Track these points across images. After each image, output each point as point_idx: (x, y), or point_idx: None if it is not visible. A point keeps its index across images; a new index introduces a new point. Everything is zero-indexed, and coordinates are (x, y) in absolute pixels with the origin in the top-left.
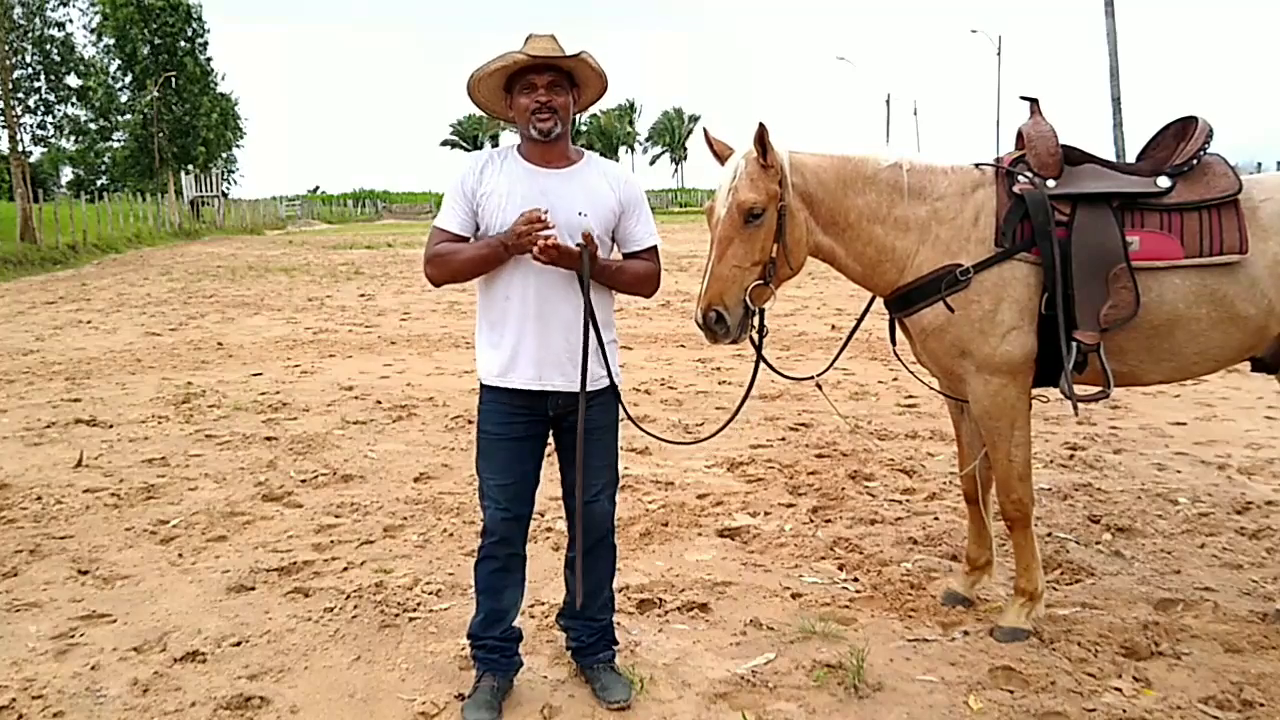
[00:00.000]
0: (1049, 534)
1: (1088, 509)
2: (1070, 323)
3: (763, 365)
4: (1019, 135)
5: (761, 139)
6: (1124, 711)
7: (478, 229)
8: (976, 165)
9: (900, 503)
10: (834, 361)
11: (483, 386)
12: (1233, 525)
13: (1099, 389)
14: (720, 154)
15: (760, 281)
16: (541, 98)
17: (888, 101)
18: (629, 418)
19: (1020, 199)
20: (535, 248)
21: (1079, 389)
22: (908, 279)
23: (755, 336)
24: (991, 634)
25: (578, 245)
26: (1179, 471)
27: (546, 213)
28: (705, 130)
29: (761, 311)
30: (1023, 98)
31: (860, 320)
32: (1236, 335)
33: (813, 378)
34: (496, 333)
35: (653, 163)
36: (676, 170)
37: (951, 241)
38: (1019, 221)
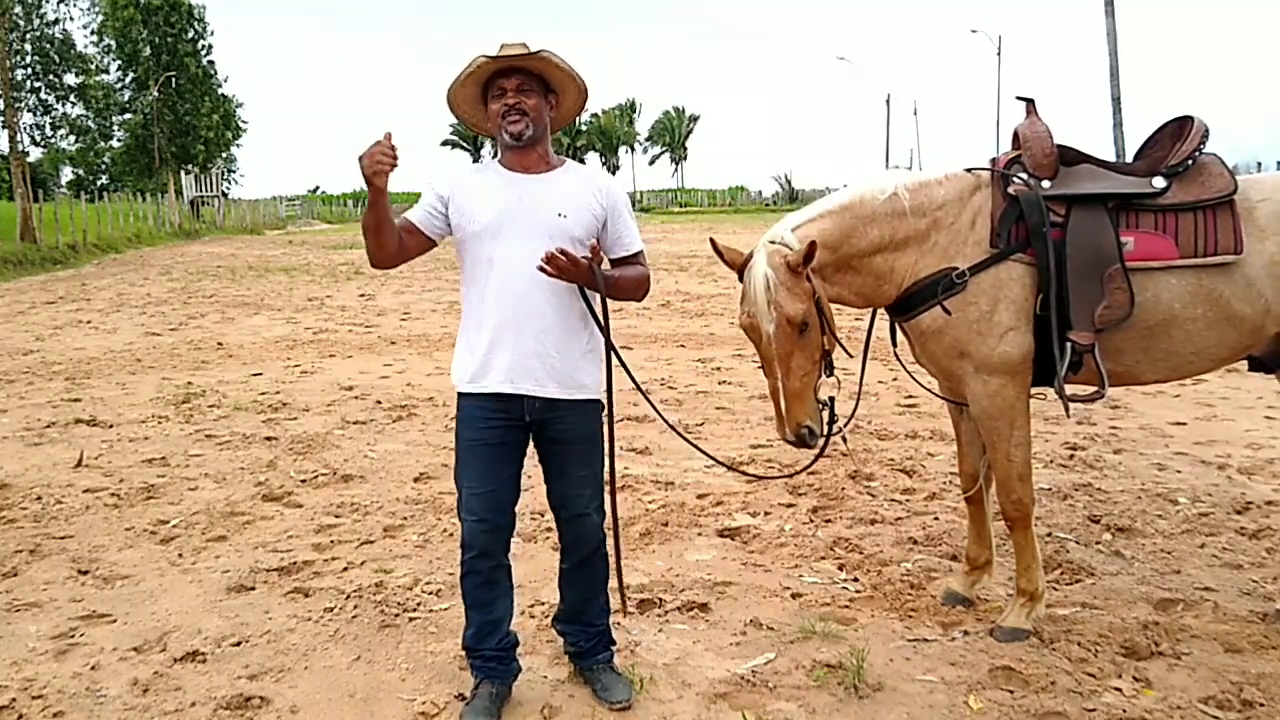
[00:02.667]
0: (1049, 534)
1: (1088, 509)
2: (1065, 323)
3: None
4: (1015, 136)
5: (810, 256)
6: (1124, 711)
7: (450, 231)
8: (968, 170)
9: (900, 503)
10: (854, 412)
11: (459, 393)
12: (1233, 525)
13: (1094, 389)
14: (732, 262)
15: (826, 374)
16: (510, 100)
17: (888, 101)
18: (687, 440)
19: (1015, 200)
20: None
21: (1078, 389)
22: (906, 285)
23: (835, 435)
24: (992, 634)
25: (584, 257)
26: (1179, 471)
27: (389, 135)
28: (712, 240)
29: (832, 399)
30: (1019, 98)
31: (866, 342)
32: (1232, 335)
33: (839, 433)
34: (471, 335)
35: (653, 163)
36: (676, 170)
37: (949, 246)
38: (1014, 223)
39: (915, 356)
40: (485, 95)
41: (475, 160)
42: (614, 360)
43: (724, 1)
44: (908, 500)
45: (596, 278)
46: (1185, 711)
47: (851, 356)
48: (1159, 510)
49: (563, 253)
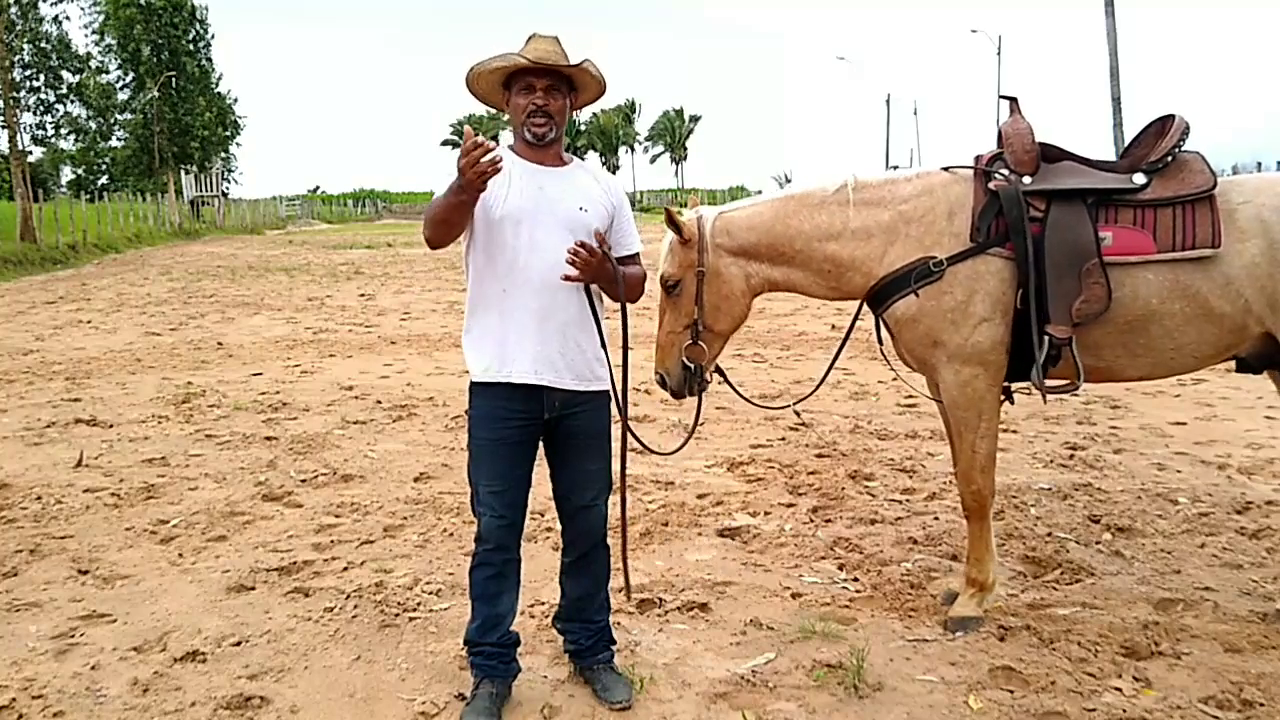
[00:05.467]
0: (1049, 534)
1: (1088, 509)
2: (1043, 316)
3: (749, 392)
4: (999, 134)
5: (669, 220)
6: (1124, 711)
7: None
8: (945, 168)
9: (900, 503)
10: (816, 388)
11: (474, 387)
12: (1233, 525)
13: (1067, 381)
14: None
15: (691, 342)
16: (539, 100)
17: (888, 101)
18: (628, 428)
19: (995, 195)
20: (477, 173)
21: (1056, 382)
22: (879, 275)
23: (704, 389)
24: (944, 626)
25: (600, 249)
26: (1179, 471)
27: (478, 134)
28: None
29: (700, 367)
30: (1003, 97)
31: (844, 341)
32: (1212, 332)
33: (789, 406)
34: (490, 325)
35: (653, 162)
36: (677, 170)
37: (924, 237)
38: (994, 217)
39: (898, 352)
40: (508, 81)
41: None
42: (605, 348)
43: (724, 1)
44: (908, 500)
45: (615, 272)
46: (1185, 711)
47: (712, 376)
48: (1159, 510)
49: (583, 245)
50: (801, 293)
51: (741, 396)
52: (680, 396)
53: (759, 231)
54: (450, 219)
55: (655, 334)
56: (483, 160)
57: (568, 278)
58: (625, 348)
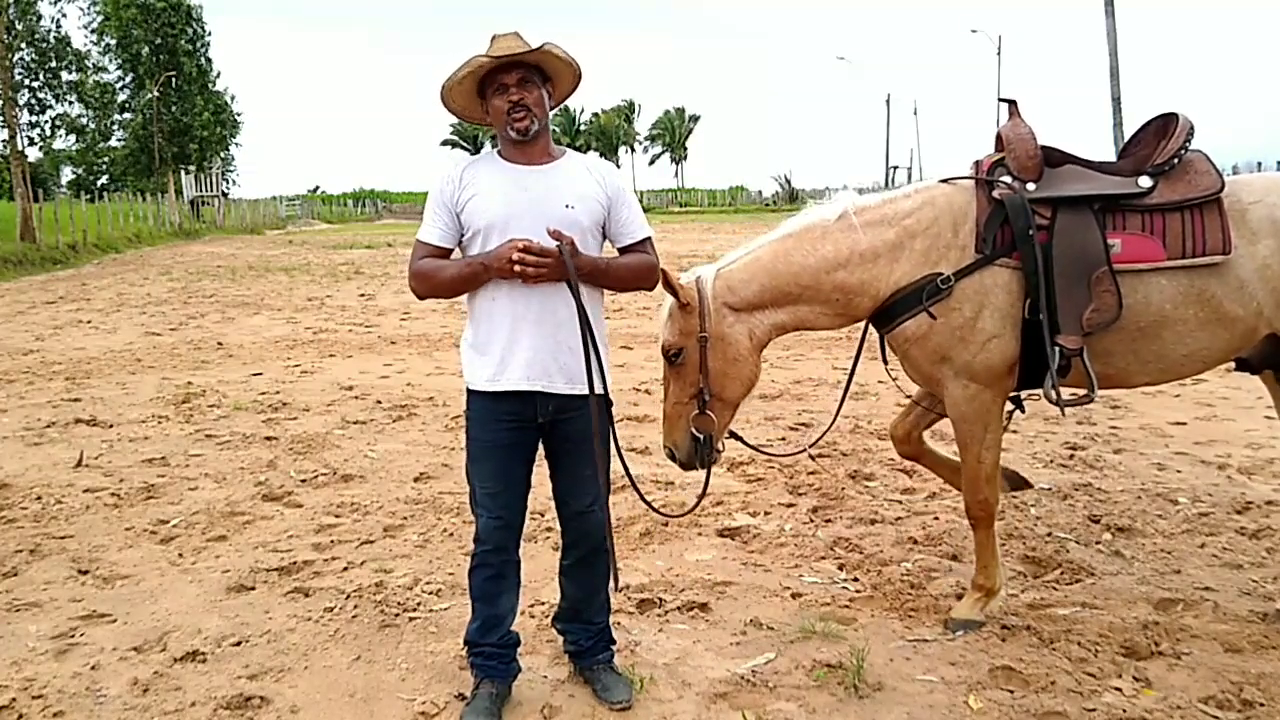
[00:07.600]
0: (1049, 534)
1: (1088, 509)
2: (1054, 327)
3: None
4: (998, 138)
5: (666, 284)
6: (1124, 711)
7: (463, 236)
8: (943, 180)
9: (900, 502)
10: (828, 430)
11: (470, 393)
12: (1233, 525)
13: (1083, 392)
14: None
15: (698, 412)
16: (514, 96)
17: (888, 101)
18: (629, 477)
19: (1000, 204)
20: (521, 276)
21: (1066, 392)
22: (885, 295)
23: (710, 461)
24: (945, 625)
25: (557, 247)
26: (1179, 471)
27: (537, 244)
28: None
29: (710, 438)
30: (1001, 99)
31: (850, 375)
32: (1224, 336)
33: (804, 450)
34: (485, 335)
35: (652, 162)
36: (677, 170)
37: (930, 251)
38: (999, 226)
39: (901, 367)
40: (482, 89)
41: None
42: (595, 351)
43: (724, 1)
44: (908, 500)
45: (567, 267)
46: (1185, 711)
47: (725, 444)
48: (1159, 510)
49: (527, 250)
50: (809, 328)
51: (758, 450)
52: (690, 469)
53: (761, 278)
54: (459, 290)
55: (663, 408)
56: (531, 265)
57: (521, 273)
58: (584, 337)
